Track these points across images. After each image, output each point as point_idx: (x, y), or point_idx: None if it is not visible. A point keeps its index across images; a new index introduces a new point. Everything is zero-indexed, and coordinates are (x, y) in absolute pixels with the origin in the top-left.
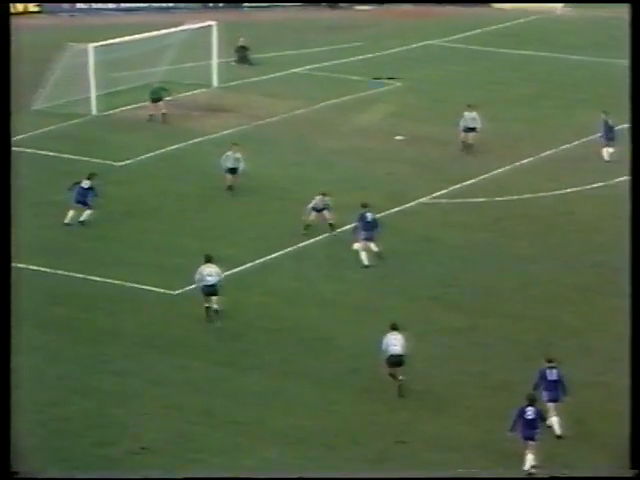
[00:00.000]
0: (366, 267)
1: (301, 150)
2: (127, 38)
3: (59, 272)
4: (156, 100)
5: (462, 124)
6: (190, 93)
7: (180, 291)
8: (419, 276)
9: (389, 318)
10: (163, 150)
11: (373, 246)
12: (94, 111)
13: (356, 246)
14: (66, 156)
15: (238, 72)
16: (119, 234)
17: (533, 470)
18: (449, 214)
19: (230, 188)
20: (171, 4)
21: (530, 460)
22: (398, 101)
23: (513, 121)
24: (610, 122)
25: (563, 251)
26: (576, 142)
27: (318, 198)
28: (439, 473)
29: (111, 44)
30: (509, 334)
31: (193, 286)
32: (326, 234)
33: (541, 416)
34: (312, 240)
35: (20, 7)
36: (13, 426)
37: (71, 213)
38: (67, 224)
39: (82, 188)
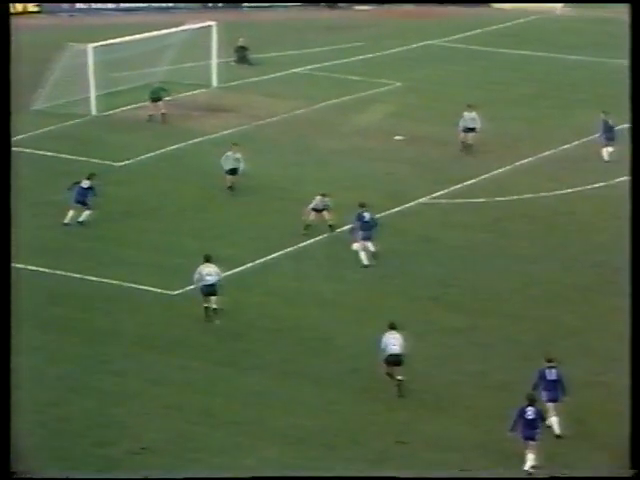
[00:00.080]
0: (366, 267)
1: (301, 150)
2: (127, 38)
3: (58, 272)
4: (156, 100)
5: (461, 124)
6: (190, 93)
7: (180, 291)
8: (419, 276)
9: (389, 318)
10: (163, 150)
11: (370, 246)
12: (94, 111)
13: (355, 246)
14: (65, 156)
15: (238, 72)
16: (118, 234)
17: (533, 470)
18: (449, 214)
19: (230, 188)
20: (171, 4)
21: (531, 460)
22: (398, 101)
23: (513, 121)
24: (610, 122)
25: (563, 251)
26: (576, 142)
27: (318, 199)
28: (439, 473)
29: (111, 44)
30: (509, 334)
31: (192, 286)
32: (326, 234)
33: (541, 416)
34: (312, 240)
35: (19, 7)
36: (13, 426)
37: (71, 213)
38: (66, 224)
39: (82, 188)
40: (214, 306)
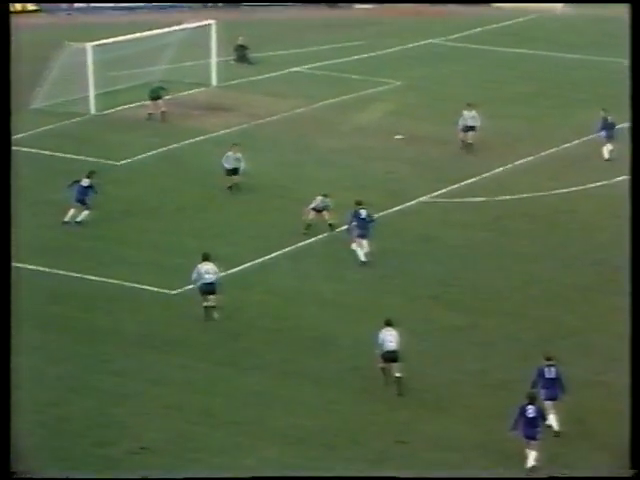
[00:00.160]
0: (363, 263)
1: (301, 149)
2: (126, 37)
3: (58, 271)
4: (155, 99)
5: (461, 123)
6: (189, 92)
7: (179, 290)
8: (419, 275)
9: (392, 320)
10: (162, 149)
11: (365, 244)
12: (93, 110)
13: (354, 246)
14: (65, 155)
15: (237, 71)
16: (118, 233)
17: (534, 469)
18: (449, 213)
19: (230, 188)
20: (170, 3)
21: (532, 457)
22: (398, 100)
23: (513, 120)
24: (609, 119)
25: (563, 250)
26: (576, 141)
27: (319, 199)
28: (439, 473)
29: (110, 43)
30: (509, 333)
31: (192, 285)
32: (326, 233)
33: (542, 415)
34: (312, 239)
35: (18, 6)
36: (13, 426)
37: (71, 212)
38: (66, 222)
39: (82, 187)
40: (213, 304)
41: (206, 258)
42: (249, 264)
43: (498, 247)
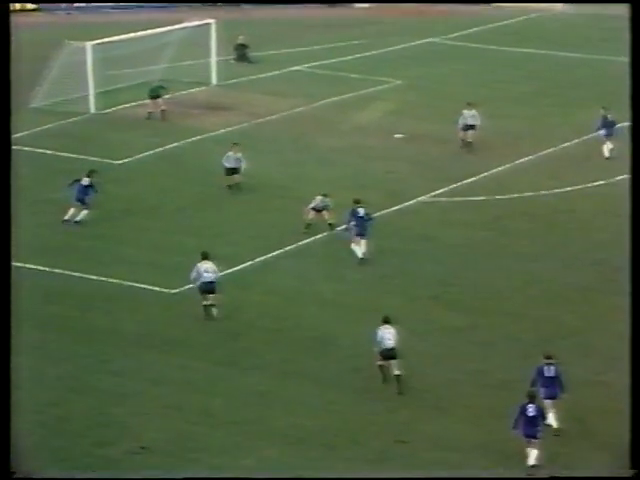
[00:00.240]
0: (362, 260)
1: (301, 148)
2: (125, 36)
3: (57, 271)
4: (155, 98)
5: (461, 122)
6: (189, 91)
7: (179, 290)
8: (419, 275)
9: (391, 319)
10: (162, 148)
11: (364, 244)
12: (92, 109)
13: (353, 245)
14: (64, 154)
15: (237, 70)
16: (118, 232)
17: (534, 469)
18: (449, 212)
19: (230, 187)
20: (169, 3)
21: (534, 456)
22: (398, 99)
23: (513, 119)
24: (609, 117)
25: (563, 249)
26: (576, 140)
27: (319, 199)
28: (439, 473)
29: (109, 42)
30: (509, 333)
31: (192, 285)
32: (326, 232)
33: (542, 414)
34: (312, 238)
35: (17, 5)
36: (13, 426)
37: (72, 211)
38: (66, 220)
39: (82, 186)
40: (212, 302)
41: (205, 257)
42: (249, 264)
43: (498, 246)
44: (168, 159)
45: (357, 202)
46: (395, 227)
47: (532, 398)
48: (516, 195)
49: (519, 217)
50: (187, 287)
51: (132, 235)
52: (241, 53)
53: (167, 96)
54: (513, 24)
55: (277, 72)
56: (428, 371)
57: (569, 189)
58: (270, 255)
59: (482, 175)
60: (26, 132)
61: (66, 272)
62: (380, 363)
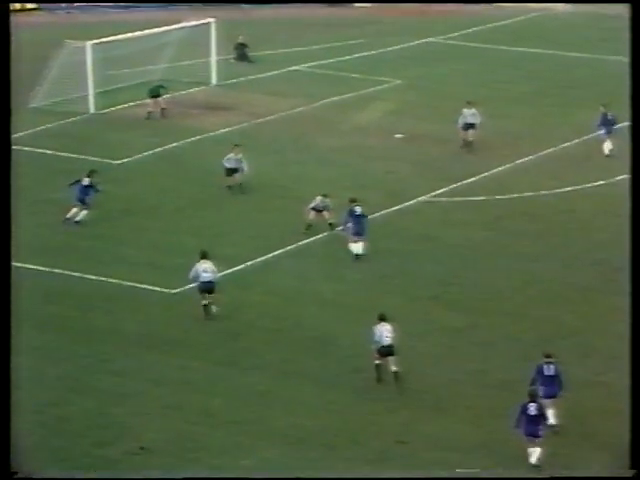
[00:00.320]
0: (357, 257)
1: (301, 148)
2: (125, 35)
3: (57, 271)
4: (155, 97)
5: (461, 121)
6: (189, 91)
7: (179, 290)
8: (419, 275)
9: (389, 317)
10: (162, 148)
11: (361, 243)
12: (92, 109)
13: (350, 244)
14: (64, 154)
15: (237, 70)
16: (117, 232)
17: (536, 468)
18: (449, 212)
19: (230, 187)
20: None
21: (536, 455)
22: (398, 99)
23: (513, 119)
24: (609, 115)
25: (564, 249)
26: (576, 140)
27: (319, 199)
28: (439, 473)
29: (109, 41)
30: (509, 333)
31: (191, 285)
32: (326, 232)
33: (543, 413)
34: (312, 238)
35: (17, 4)
36: (13, 426)
37: (73, 210)
38: (67, 219)
39: (82, 186)
40: (210, 301)
41: (204, 256)
42: (249, 264)
43: (498, 247)
44: (168, 159)
45: (353, 201)
46: (395, 227)
47: (533, 397)
48: (516, 195)
49: (519, 217)
50: (187, 287)
51: (132, 235)
52: (241, 53)
53: (167, 96)
54: (513, 24)
55: (277, 72)
56: (428, 371)
57: (569, 189)
58: (270, 255)
59: (482, 175)
60: (26, 132)
61: (66, 272)
62: (378, 362)
